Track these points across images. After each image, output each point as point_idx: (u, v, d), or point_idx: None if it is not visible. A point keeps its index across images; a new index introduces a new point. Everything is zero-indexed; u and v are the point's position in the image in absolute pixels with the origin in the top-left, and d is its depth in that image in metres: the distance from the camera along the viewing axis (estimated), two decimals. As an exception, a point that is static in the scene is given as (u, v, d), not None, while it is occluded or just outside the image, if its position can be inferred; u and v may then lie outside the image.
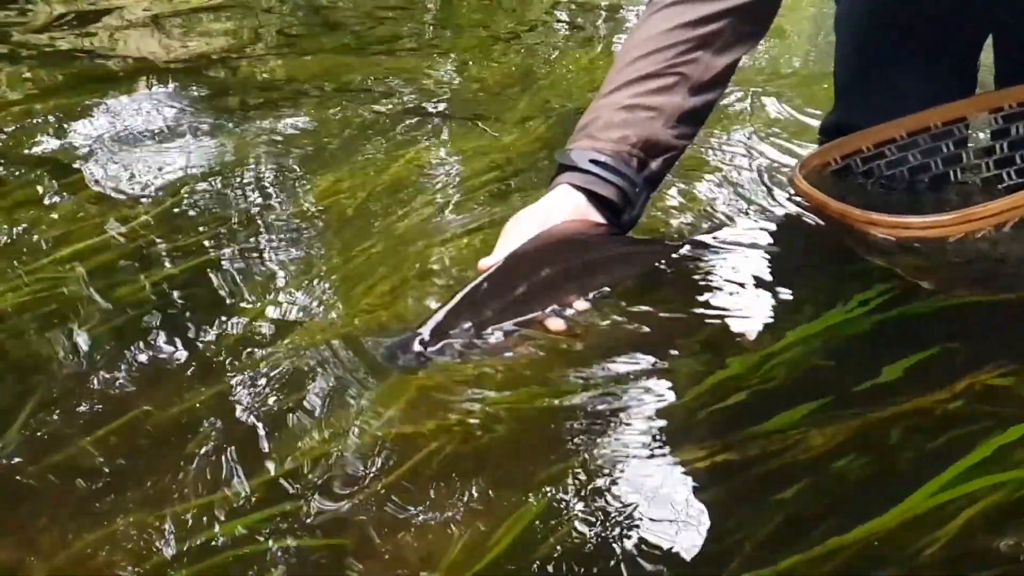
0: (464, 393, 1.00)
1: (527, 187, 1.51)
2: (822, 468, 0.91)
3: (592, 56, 2.42)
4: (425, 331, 0.99)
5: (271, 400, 1.00)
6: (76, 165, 1.65)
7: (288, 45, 2.58)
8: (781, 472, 0.90)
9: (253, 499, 0.87)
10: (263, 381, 1.03)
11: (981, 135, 1.55)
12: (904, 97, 1.42)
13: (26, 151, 1.74)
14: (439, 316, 1.00)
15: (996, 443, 0.92)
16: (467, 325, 1.00)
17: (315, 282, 1.24)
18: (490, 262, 1.07)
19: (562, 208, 1.12)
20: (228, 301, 1.21)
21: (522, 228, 1.09)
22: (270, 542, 0.83)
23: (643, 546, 0.81)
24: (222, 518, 0.85)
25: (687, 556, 0.81)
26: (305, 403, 0.99)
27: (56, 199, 1.53)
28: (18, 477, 0.90)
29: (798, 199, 1.39)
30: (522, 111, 1.93)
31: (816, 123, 1.71)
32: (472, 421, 0.96)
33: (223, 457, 0.92)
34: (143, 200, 1.51)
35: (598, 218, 1.14)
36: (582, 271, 1.08)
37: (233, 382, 1.03)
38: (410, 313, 1.14)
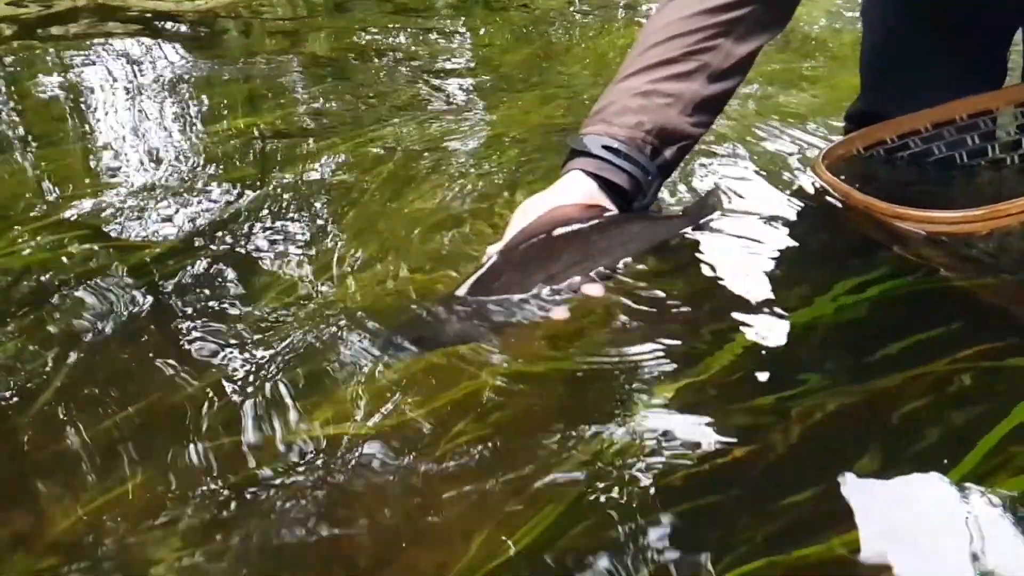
0: (473, 375, 0.99)
1: (539, 171, 1.49)
2: (834, 445, 0.90)
3: (609, 43, 2.39)
4: (432, 318, 0.98)
5: (282, 379, 1.00)
6: (86, 125, 1.66)
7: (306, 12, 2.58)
8: (792, 451, 0.89)
9: (263, 477, 0.87)
10: (274, 359, 1.03)
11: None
12: (931, 87, 1.39)
13: (33, 100, 1.75)
14: (447, 302, 1.00)
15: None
16: (478, 310, 0.99)
17: (323, 261, 1.24)
18: (499, 247, 1.06)
19: (573, 195, 1.10)
20: (237, 275, 1.21)
21: (532, 215, 1.07)
22: (280, 515, 0.83)
23: (650, 526, 0.81)
24: (233, 495, 0.85)
25: (697, 535, 0.80)
26: (314, 382, 0.99)
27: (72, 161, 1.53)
28: (36, 453, 0.91)
29: (819, 187, 1.37)
30: (536, 96, 1.91)
31: (836, 112, 1.68)
32: (481, 403, 0.95)
33: (236, 435, 0.92)
34: (153, 171, 1.51)
35: (609, 206, 1.12)
36: (592, 250, 1.07)
37: (239, 358, 1.03)
38: (421, 296, 1.13)
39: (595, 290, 1.03)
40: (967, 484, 0.84)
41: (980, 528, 0.80)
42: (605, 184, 1.11)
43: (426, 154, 1.59)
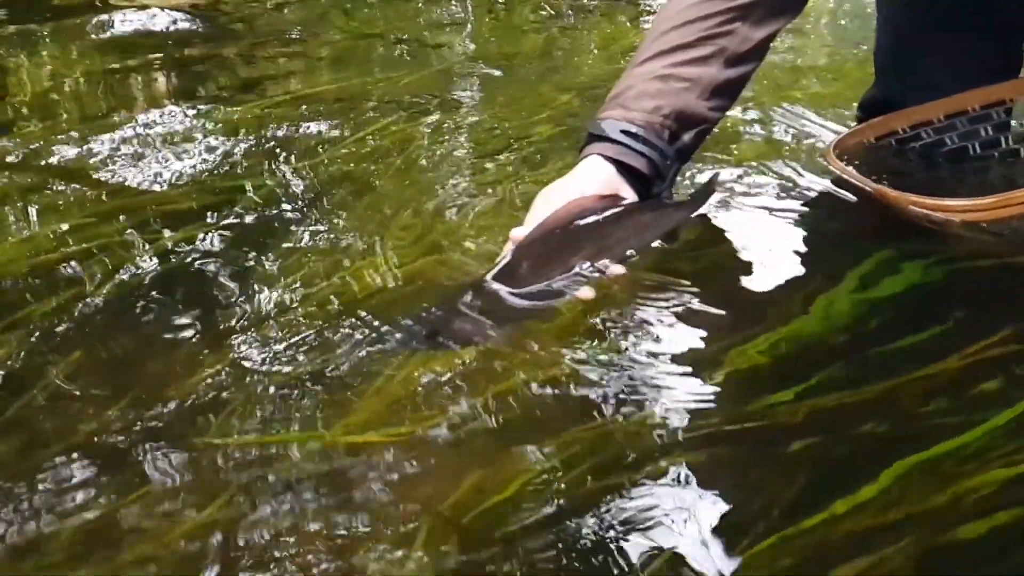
0: (489, 362, 0.98)
1: (550, 160, 1.49)
2: (846, 429, 0.90)
3: (617, 32, 2.39)
4: (453, 311, 0.99)
5: (290, 364, 0.99)
6: (84, 114, 1.65)
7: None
8: (805, 433, 0.89)
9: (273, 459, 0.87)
10: (288, 348, 1.02)
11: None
12: (944, 77, 1.38)
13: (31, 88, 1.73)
14: (467, 294, 1.01)
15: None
16: (499, 302, 1.00)
17: (336, 251, 1.23)
18: (522, 232, 1.06)
19: (592, 180, 1.10)
20: (248, 264, 1.20)
21: (553, 201, 1.07)
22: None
23: (662, 510, 0.80)
24: (239, 473, 0.85)
25: (709, 520, 0.80)
26: (326, 369, 0.98)
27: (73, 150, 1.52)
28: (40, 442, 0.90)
29: (830, 177, 1.37)
30: (545, 85, 1.91)
31: (851, 101, 1.68)
32: (494, 385, 0.95)
33: (240, 422, 0.91)
34: (159, 160, 1.50)
35: (628, 191, 1.12)
36: (609, 241, 1.07)
37: (243, 351, 1.02)
38: (439, 287, 1.12)
39: (617, 270, 1.05)
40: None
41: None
42: (624, 169, 1.11)
43: (435, 143, 1.58)
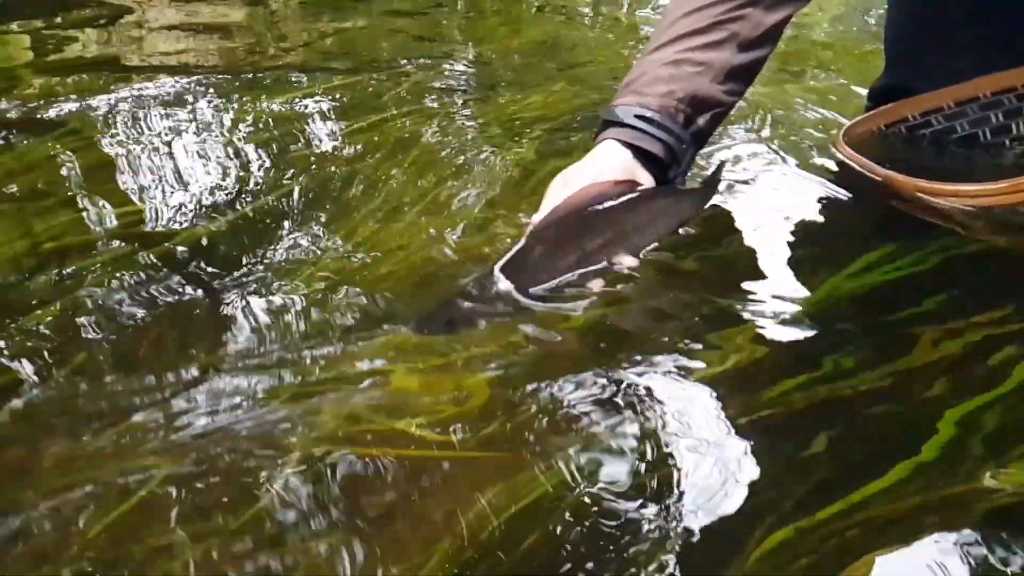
0: (498, 351, 0.98)
1: (554, 154, 1.49)
2: (857, 417, 0.90)
3: (621, 27, 2.39)
4: (467, 299, 0.99)
5: (305, 360, 0.98)
6: (96, 119, 1.64)
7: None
8: (816, 422, 0.89)
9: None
10: (298, 342, 1.01)
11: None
12: (957, 64, 1.38)
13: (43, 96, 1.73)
14: (481, 282, 1.01)
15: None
16: (511, 290, 1.00)
17: (348, 244, 1.22)
18: (538, 218, 1.05)
19: (609, 164, 1.09)
20: (259, 257, 1.19)
21: (569, 185, 1.07)
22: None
23: (677, 501, 0.80)
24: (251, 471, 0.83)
25: (725, 508, 0.79)
26: (336, 361, 0.97)
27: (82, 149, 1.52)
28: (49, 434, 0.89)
29: (840, 164, 1.37)
30: (549, 79, 1.91)
31: (858, 90, 1.68)
32: (503, 378, 0.95)
33: (241, 419, 0.90)
34: (167, 157, 1.50)
35: (644, 176, 1.11)
36: (624, 228, 1.07)
37: (246, 347, 1.01)
38: (455, 275, 1.12)
39: (629, 261, 1.04)
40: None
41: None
42: (639, 153, 1.10)
43: (439, 135, 1.58)
